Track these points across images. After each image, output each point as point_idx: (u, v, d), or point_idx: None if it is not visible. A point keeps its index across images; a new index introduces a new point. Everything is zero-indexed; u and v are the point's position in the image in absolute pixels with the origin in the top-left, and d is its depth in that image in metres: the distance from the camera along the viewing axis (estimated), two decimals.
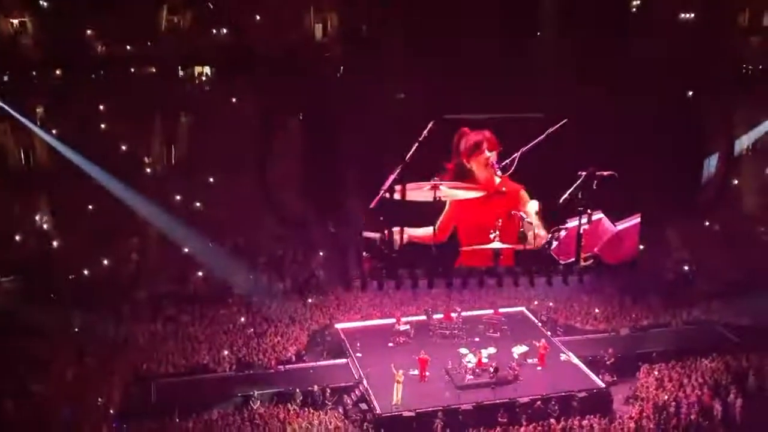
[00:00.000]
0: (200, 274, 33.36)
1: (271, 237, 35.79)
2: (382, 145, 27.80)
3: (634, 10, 32.66)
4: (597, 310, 32.29)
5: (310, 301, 32.63)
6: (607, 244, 28.15)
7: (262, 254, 35.14)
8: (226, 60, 33.95)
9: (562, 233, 28.48)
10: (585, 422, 24.87)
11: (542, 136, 26.72)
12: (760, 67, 34.06)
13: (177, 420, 24.38)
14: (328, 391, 26.27)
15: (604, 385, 26.94)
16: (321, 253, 34.17)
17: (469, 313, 31.42)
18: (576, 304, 32.94)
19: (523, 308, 32.51)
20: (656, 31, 28.71)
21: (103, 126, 34.08)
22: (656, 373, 27.52)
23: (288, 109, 30.16)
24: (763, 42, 35.77)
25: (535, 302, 32.51)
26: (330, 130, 27.83)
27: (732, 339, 30.26)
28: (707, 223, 36.55)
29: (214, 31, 34.48)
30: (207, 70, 35.58)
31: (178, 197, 35.72)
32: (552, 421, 24.84)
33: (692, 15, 34.43)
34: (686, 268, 35.12)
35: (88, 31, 33.14)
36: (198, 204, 36.21)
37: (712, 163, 30.57)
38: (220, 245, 34.67)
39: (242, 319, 30.93)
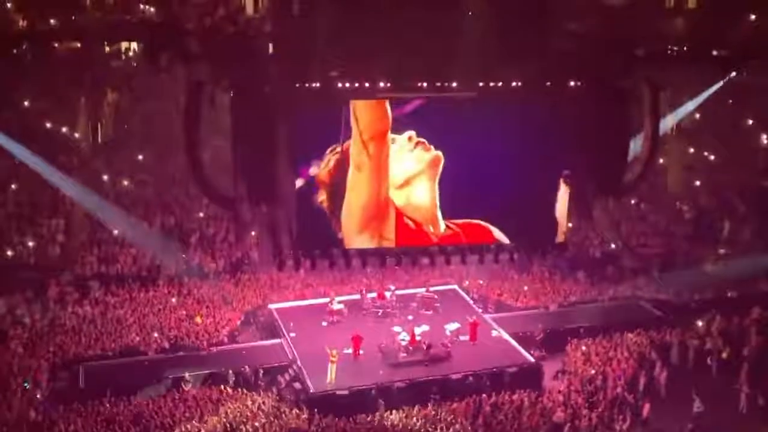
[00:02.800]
0: (131, 253, 32.68)
1: (202, 216, 35.35)
2: (315, 124, 27.66)
3: None
4: (526, 288, 32.88)
5: (242, 281, 32.43)
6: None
7: (193, 234, 34.63)
8: (153, 35, 33.13)
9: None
10: (515, 397, 25.44)
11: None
12: (684, 48, 35.02)
13: (107, 404, 23.99)
14: (261, 371, 26.20)
15: (533, 360, 27.57)
16: (253, 233, 33.84)
17: (403, 291, 31.67)
18: (507, 281, 33.52)
19: (455, 286, 32.90)
20: (583, 11, 29.13)
21: (26, 103, 32.96)
22: (584, 348, 28.19)
23: (219, 86, 29.58)
24: (687, 23, 36.72)
25: (466, 282, 32.91)
26: (262, 108, 27.45)
27: (655, 314, 31.27)
28: (633, 202, 37.60)
29: (141, 6, 33.61)
30: (134, 45, 34.76)
31: (105, 176, 34.87)
32: (484, 396, 25.32)
33: None
34: (612, 245, 36.05)
35: (8, 5, 31.92)
36: (126, 183, 35.42)
37: (637, 143, 31.31)
38: (149, 225, 34.03)
39: (173, 300, 30.46)
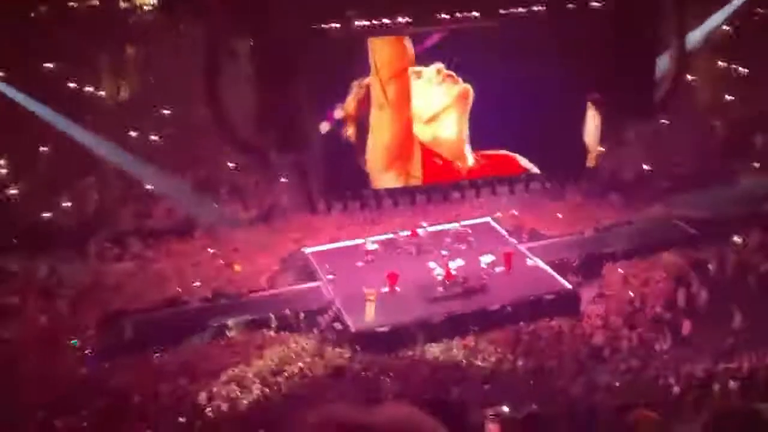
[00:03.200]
0: (165, 207, 33.05)
1: (231, 166, 35.51)
2: (336, 66, 27.47)
3: None
4: (560, 215, 32.77)
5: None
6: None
7: (223, 184, 34.87)
8: None
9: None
10: (554, 323, 25.63)
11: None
12: None
13: (154, 356, 24.63)
14: (302, 314, 26.62)
15: (570, 287, 27.64)
16: (283, 180, 33.98)
17: (436, 227, 31.80)
18: (540, 210, 33.41)
19: (488, 218, 32.91)
20: None
21: (48, 65, 33.05)
22: (620, 270, 28.24)
23: (238, 34, 29.47)
24: None
25: (498, 213, 32.87)
26: (282, 53, 27.30)
27: (690, 232, 31.13)
28: (663, 121, 37.00)
29: None
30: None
31: (133, 132, 35.10)
32: (522, 324, 25.53)
33: None
34: (645, 166, 35.63)
35: None
36: (154, 138, 35.64)
37: (665, 60, 30.63)
38: (181, 178, 34.34)
39: (210, 251, 30.90)
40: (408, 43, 27.58)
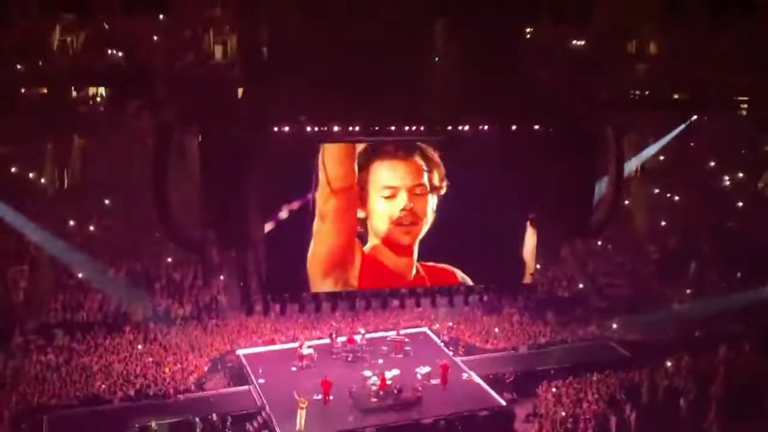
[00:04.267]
0: (97, 300, 32.24)
1: (169, 261, 35.08)
2: (285, 167, 27.79)
3: (528, 36, 34.02)
4: (497, 329, 33.01)
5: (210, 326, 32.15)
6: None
7: (159, 279, 34.33)
8: (121, 80, 33.26)
9: None
10: None
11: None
12: (647, 93, 35.87)
13: None
14: (229, 419, 25.83)
15: (505, 403, 27.56)
16: (221, 278, 33.66)
17: (373, 335, 31.61)
18: (477, 323, 33.61)
19: (425, 329, 32.90)
20: (548, 57, 29.81)
21: None
22: (554, 389, 28.31)
23: (186, 130, 29.72)
24: (650, 69, 37.65)
25: (437, 325, 32.95)
26: (231, 151, 27.60)
27: (624, 354, 31.55)
28: (600, 243, 38.06)
29: (109, 51, 33.75)
30: (102, 90, 34.79)
31: (71, 222, 34.59)
32: None
33: (583, 42, 36.05)
34: (581, 286, 36.36)
35: None
36: (92, 228, 35.13)
37: (603, 185, 31.86)
38: (115, 271, 33.72)
39: (139, 347, 30.07)
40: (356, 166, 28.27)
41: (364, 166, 28.06)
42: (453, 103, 27.85)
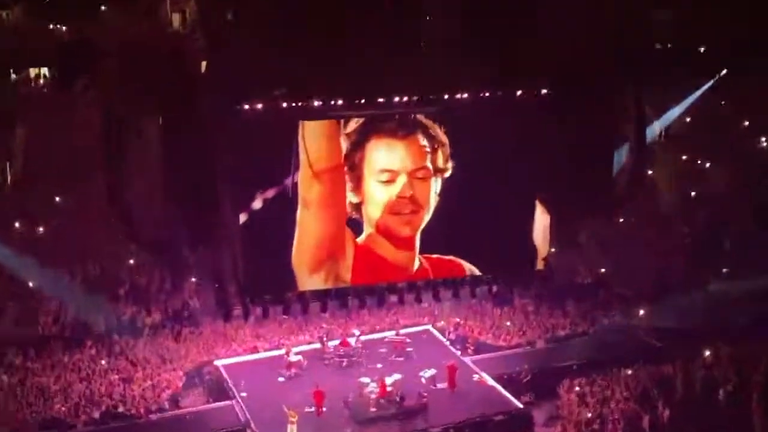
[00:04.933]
0: (52, 311, 32.47)
1: (132, 264, 35.24)
2: (260, 150, 27.94)
3: None
4: (509, 323, 33.36)
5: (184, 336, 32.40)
6: None
7: (122, 284, 34.49)
8: (67, 57, 33.22)
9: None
10: None
11: None
12: (669, 46, 35.90)
13: None
14: None
15: (522, 406, 27.91)
16: (193, 279, 33.86)
17: (369, 336, 31.94)
18: (487, 317, 33.94)
19: (429, 326, 33.23)
20: (556, 7, 29.83)
21: None
22: (577, 388, 28.70)
23: (145, 112, 29.78)
24: (674, 18, 37.66)
25: (441, 321, 33.27)
26: (197, 135, 27.75)
27: (655, 344, 31.96)
28: (622, 220, 38.35)
29: (51, 26, 33.76)
30: (45, 71, 34.80)
31: (17, 223, 34.70)
32: None
33: None
34: (602, 269, 36.68)
35: None
36: (42, 229, 35.24)
37: (622, 155, 32.13)
38: (71, 277, 33.86)
39: (103, 363, 30.30)
40: (342, 142, 28.30)
41: (359, 145, 28.25)
42: (449, 68, 28.08)
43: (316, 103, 28.11)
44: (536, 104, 29.41)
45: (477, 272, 30.59)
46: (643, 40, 32.55)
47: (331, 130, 28.30)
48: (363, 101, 28.70)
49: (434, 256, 29.86)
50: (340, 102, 28.37)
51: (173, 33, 35.06)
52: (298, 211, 28.34)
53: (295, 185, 28.12)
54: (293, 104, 28.08)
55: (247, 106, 27.77)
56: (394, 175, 28.88)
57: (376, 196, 28.98)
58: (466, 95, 28.79)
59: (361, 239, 29.25)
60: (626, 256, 37.76)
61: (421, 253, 29.72)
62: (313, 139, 28.11)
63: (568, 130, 29.06)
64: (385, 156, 28.81)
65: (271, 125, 27.95)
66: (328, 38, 27.90)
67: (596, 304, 34.89)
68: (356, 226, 29.24)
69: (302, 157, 28.06)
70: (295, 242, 28.58)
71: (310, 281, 29.43)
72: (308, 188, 28.27)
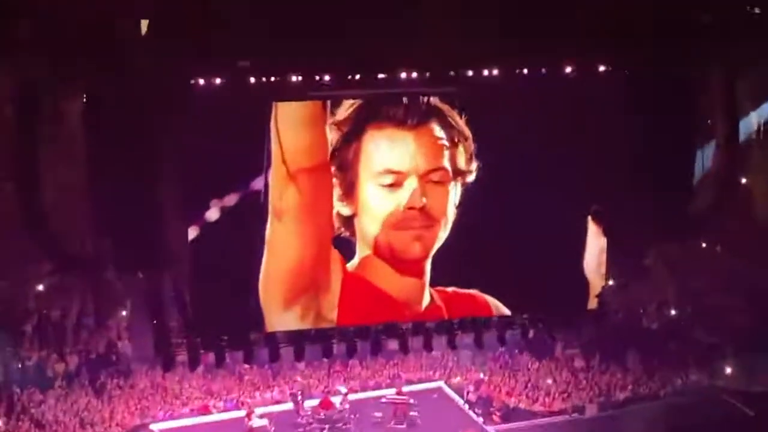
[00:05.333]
0: None
1: (41, 290, 35.29)
2: (215, 141, 28.03)
3: None
4: (550, 381, 33.36)
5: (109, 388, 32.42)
6: None
7: (28, 317, 34.55)
8: None
9: None
10: None
11: None
12: None
13: None
14: None
15: None
16: (124, 313, 33.91)
17: (361, 395, 31.94)
18: (519, 373, 33.95)
19: (440, 383, 33.23)
20: None
21: None
22: None
23: (65, 87, 29.90)
24: None
25: (458, 377, 33.29)
26: (133, 119, 27.83)
27: (746, 413, 32.00)
28: (704, 244, 38.36)
29: None
30: None
31: None
32: None
33: None
34: (674, 311, 36.70)
35: None
36: None
37: (707, 156, 32.15)
38: None
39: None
40: (328, 130, 28.35)
41: (353, 137, 28.32)
42: (473, 35, 28.16)
43: (294, 79, 28.18)
44: (590, 85, 29.45)
45: (506, 311, 30.54)
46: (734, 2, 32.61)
47: (314, 115, 28.32)
48: (358, 77, 28.83)
49: (450, 289, 29.80)
50: (326, 78, 28.46)
51: None
52: (268, 225, 28.35)
53: (265, 190, 28.14)
54: (264, 79, 28.17)
55: (201, 81, 27.86)
56: (400, 177, 28.80)
57: (376, 207, 28.92)
58: (495, 71, 28.85)
59: (352, 264, 29.21)
60: (709, 292, 37.90)
61: (432, 284, 29.64)
62: (290, 127, 28.11)
63: (633, 122, 29.09)
64: (389, 152, 28.75)
65: (234, 107, 27.97)
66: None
67: (667, 357, 34.95)
68: (346, 247, 29.20)
69: (274, 151, 28.05)
70: (263, 266, 28.56)
71: (282, 319, 29.39)
72: (281, 194, 28.25)
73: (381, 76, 28.56)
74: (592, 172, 29.14)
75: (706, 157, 32.11)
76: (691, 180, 31.18)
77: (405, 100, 28.79)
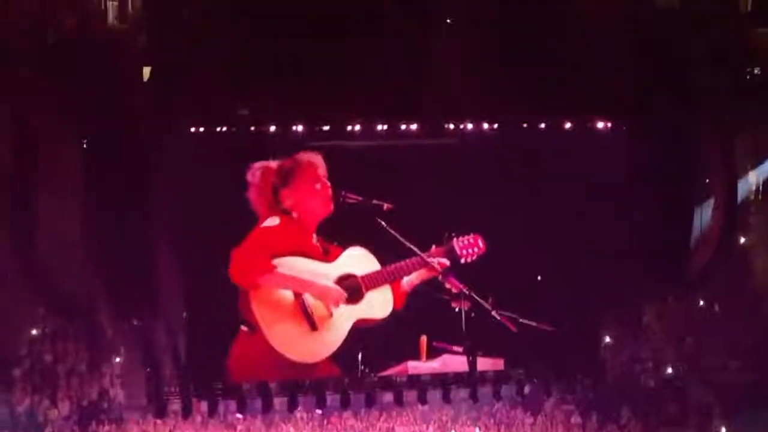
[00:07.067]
0: None
1: (35, 334, 35.75)
2: (216, 187, 28.65)
3: None
4: None
5: None
6: None
7: (19, 363, 34.98)
8: None
9: None
10: None
11: None
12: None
13: None
14: None
15: None
16: (117, 360, 34.33)
17: None
18: (514, 428, 34.28)
19: None
20: (617, 17, 30.61)
21: None
22: None
23: (64, 130, 30.47)
24: None
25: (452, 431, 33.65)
26: (133, 165, 28.36)
27: None
28: (702, 303, 38.91)
29: None
30: None
31: None
32: None
33: None
34: (670, 370, 37.07)
35: None
36: None
37: (705, 214, 32.64)
38: None
39: None
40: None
41: None
42: (472, 89, 28.82)
43: (294, 128, 28.80)
44: (588, 140, 30.07)
45: (500, 364, 30.88)
46: (735, 62, 33.32)
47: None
48: (358, 128, 29.46)
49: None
50: (326, 128, 29.12)
51: (107, 28, 35.97)
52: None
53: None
54: (263, 129, 28.78)
55: (202, 129, 28.51)
56: None
57: None
58: (495, 125, 29.50)
59: None
60: (706, 352, 38.30)
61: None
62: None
63: (632, 176, 29.61)
64: None
65: (234, 157, 28.60)
66: (314, 40, 28.61)
67: (665, 416, 35.27)
68: None
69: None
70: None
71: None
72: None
73: (381, 127, 29.31)
74: (587, 230, 29.72)
75: (704, 216, 32.68)
76: (688, 240, 31.71)
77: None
